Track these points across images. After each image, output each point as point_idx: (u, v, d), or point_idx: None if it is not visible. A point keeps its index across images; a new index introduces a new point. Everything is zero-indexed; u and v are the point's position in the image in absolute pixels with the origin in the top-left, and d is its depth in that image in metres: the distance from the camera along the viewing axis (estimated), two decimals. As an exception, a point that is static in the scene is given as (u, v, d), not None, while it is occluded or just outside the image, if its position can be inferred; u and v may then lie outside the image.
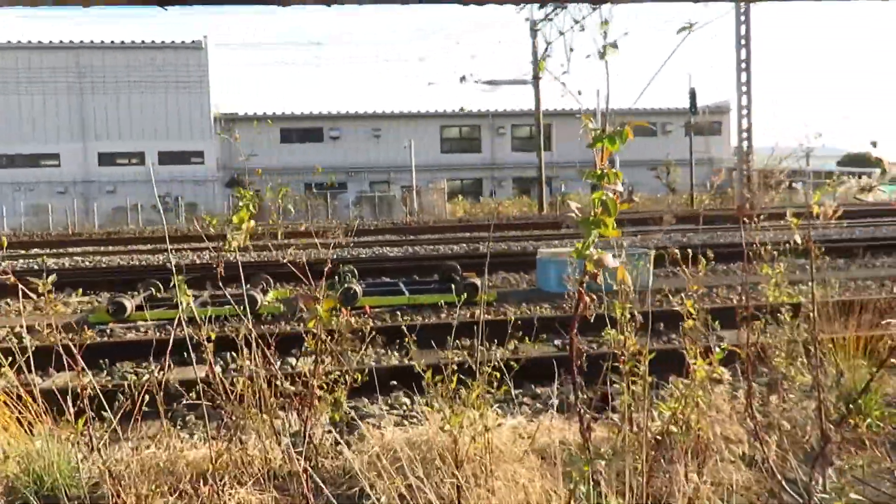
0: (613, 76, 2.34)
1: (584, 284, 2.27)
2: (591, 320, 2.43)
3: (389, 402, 5.12)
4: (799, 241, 3.12)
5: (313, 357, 3.19)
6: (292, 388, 3.37)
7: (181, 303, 2.95)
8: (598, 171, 2.16)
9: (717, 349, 3.00)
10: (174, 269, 3.30)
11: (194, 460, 3.29)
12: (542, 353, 6.16)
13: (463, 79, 35.12)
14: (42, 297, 3.07)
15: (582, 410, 2.40)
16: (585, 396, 2.79)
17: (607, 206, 2.14)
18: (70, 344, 2.86)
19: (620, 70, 2.40)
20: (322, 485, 2.89)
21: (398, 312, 8.74)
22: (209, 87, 42.41)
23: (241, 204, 3.37)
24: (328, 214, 35.97)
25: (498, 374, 3.33)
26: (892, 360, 2.67)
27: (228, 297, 4.15)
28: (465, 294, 8.80)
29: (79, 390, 2.73)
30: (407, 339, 3.73)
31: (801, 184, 37.82)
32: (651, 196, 37.45)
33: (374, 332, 3.70)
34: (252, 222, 3.40)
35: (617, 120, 2.40)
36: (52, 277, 3.09)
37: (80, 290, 10.22)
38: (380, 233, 24.47)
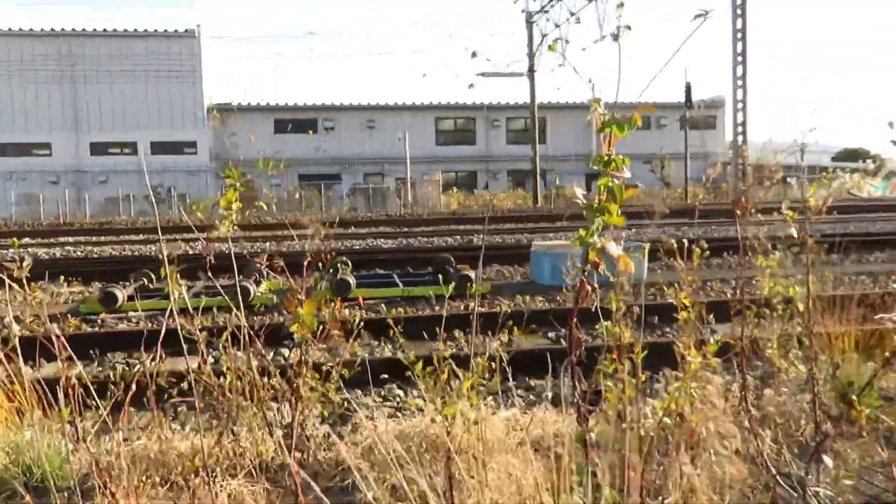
0: (610, 70, 2.33)
1: (586, 273, 2.26)
2: (593, 310, 2.42)
3: (383, 393, 5.12)
4: (795, 234, 3.11)
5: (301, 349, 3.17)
6: (277, 381, 3.34)
7: (172, 293, 2.93)
8: (605, 157, 2.14)
9: (711, 341, 3.00)
10: (166, 259, 3.27)
11: (186, 451, 3.27)
12: (537, 346, 6.16)
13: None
14: (23, 286, 3.03)
15: (579, 401, 2.39)
16: (581, 388, 2.78)
17: (613, 192, 2.11)
18: (57, 333, 2.83)
19: (615, 65, 2.38)
20: (313, 478, 2.88)
21: (388, 304, 8.74)
22: (202, 77, 42.22)
23: (227, 184, 3.32)
24: (322, 206, 35.90)
25: (492, 365, 3.32)
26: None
27: (219, 288, 4.12)
28: (460, 286, 8.83)
29: (64, 381, 2.71)
30: (392, 332, 3.70)
31: (795, 179, 37.92)
32: (645, 190, 37.51)
33: (362, 323, 3.68)
34: (240, 203, 3.35)
35: (616, 112, 2.38)
36: (28, 262, 3.03)
37: (62, 278, 10.18)
38: (374, 224, 24.43)
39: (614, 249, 2.18)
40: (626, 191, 2.17)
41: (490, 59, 34.21)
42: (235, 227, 3.36)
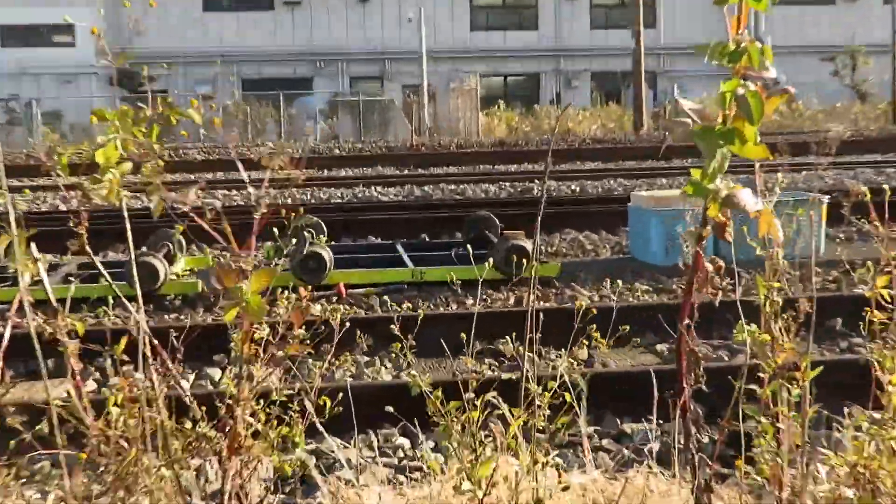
0: None
1: (705, 243, 2.21)
2: (716, 305, 2.37)
3: (377, 443, 5.13)
4: None
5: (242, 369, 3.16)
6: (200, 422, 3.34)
7: (21, 276, 2.92)
8: (732, 46, 2.08)
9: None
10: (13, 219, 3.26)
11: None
12: (636, 366, 6.13)
13: None
14: None
15: (697, 460, 2.36)
16: (704, 438, 2.74)
17: (747, 104, 2.04)
18: None
19: None
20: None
21: (387, 292, 8.75)
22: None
23: (105, 136, 3.29)
24: (281, 131, 36.00)
25: (558, 399, 3.30)
26: None
27: (101, 269, 4.12)
28: (508, 264, 8.78)
29: None
30: (401, 344, 3.69)
31: None
32: (823, 106, 37.09)
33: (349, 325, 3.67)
34: (126, 165, 3.32)
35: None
36: None
37: None
38: (367, 162, 24.45)
39: (751, 202, 2.12)
40: (770, 101, 2.10)
41: None
42: (124, 196, 3.33)
